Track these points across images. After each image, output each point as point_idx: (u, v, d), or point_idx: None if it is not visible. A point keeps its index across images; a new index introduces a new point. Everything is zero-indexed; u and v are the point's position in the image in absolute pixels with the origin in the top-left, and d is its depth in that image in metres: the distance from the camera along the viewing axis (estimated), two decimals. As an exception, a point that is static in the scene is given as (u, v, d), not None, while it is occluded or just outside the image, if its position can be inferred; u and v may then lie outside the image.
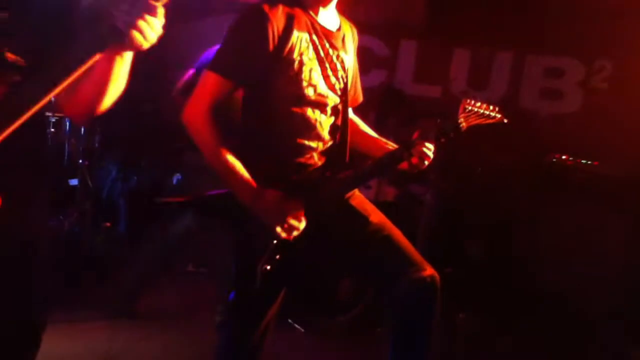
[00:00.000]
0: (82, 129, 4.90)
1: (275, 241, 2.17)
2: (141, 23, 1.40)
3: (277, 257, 2.19)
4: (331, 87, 2.28)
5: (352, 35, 2.43)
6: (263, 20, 2.10)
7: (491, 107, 2.40)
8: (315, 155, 2.30)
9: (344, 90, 2.34)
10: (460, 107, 2.33)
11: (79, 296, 3.92)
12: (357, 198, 2.40)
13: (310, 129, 2.27)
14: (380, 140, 2.55)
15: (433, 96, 5.69)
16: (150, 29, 1.42)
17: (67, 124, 4.86)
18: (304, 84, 2.20)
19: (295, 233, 2.15)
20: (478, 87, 5.57)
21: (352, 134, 2.44)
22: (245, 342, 2.35)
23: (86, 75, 1.46)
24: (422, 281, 2.23)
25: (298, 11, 2.20)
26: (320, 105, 2.27)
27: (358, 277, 3.63)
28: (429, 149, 2.32)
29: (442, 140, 2.34)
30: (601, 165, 4.66)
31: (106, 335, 3.59)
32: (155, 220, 4.92)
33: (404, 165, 2.35)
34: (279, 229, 2.13)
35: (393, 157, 2.36)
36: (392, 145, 2.47)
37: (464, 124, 2.33)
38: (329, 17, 2.31)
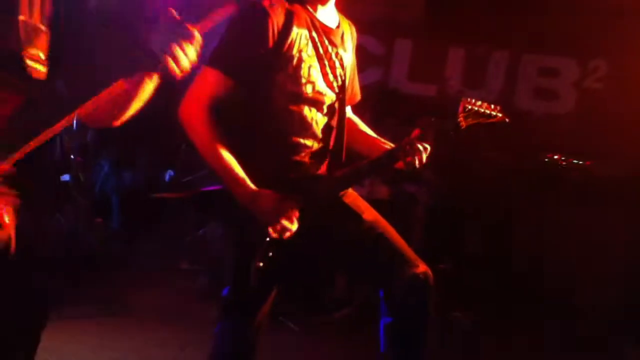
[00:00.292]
0: (75, 125, 4.88)
1: (268, 239, 2.17)
2: (177, 50, 1.37)
3: (271, 254, 2.19)
4: (329, 85, 2.27)
5: (351, 33, 2.42)
6: (263, 17, 2.09)
7: (492, 107, 2.39)
8: (310, 153, 2.29)
9: (342, 88, 2.33)
10: (460, 106, 2.32)
11: (72, 292, 3.90)
12: (351, 196, 2.39)
13: (306, 128, 2.25)
14: (378, 139, 2.53)
15: (428, 95, 5.69)
16: (186, 57, 1.39)
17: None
18: (303, 80, 2.19)
19: (287, 234, 2.14)
20: (473, 86, 5.58)
21: (350, 132, 2.43)
22: (239, 338, 2.34)
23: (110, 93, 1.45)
24: (416, 278, 2.23)
25: (297, 7, 2.19)
26: (317, 104, 2.26)
27: (352, 274, 3.63)
28: (426, 148, 2.32)
29: (441, 139, 2.34)
30: (594, 165, 4.68)
31: (99, 331, 3.58)
32: (149, 217, 4.92)
33: (399, 164, 2.35)
34: (271, 230, 2.13)
35: (390, 156, 2.35)
36: (389, 145, 2.46)
37: (463, 123, 2.32)
38: (328, 14, 2.30)
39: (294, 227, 2.14)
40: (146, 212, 5.11)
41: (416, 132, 2.31)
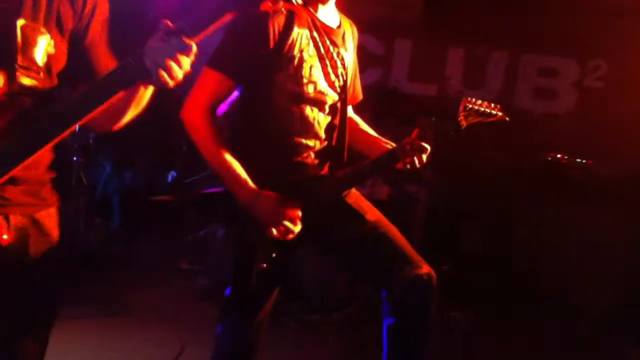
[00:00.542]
0: (77, 127, 4.89)
1: (271, 240, 2.17)
2: (171, 63, 1.35)
3: (273, 255, 2.19)
4: (331, 85, 2.27)
5: (352, 33, 2.42)
6: (264, 17, 2.08)
7: (492, 105, 2.39)
8: (312, 154, 2.29)
9: (344, 88, 2.33)
10: (461, 106, 2.32)
11: (72, 292, 3.90)
12: (354, 196, 2.39)
13: (308, 128, 2.25)
14: (379, 139, 2.53)
15: (428, 95, 5.69)
16: (179, 69, 1.37)
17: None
18: (304, 80, 2.18)
19: (290, 236, 2.14)
20: (473, 86, 5.58)
21: (351, 132, 2.43)
22: (241, 338, 2.35)
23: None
24: (419, 279, 2.23)
25: (298, 7, 2.17)
26: (319, 104, 2.26)
27: (354, 275, 3.63)
28: (426, 148, 2.32)
29: (442, 139, 2.34)
30: (595, 164, 4.69)
31: (99, 331, 3.58)
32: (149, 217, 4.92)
33: (399, 164, 2.35)
34: (274, 232, 2.13)
35: (390, 156, 2.35)
36: (390, 144, 2.46)
37: (463, 122, 2.32)
38: (329, 14, 2.29)
39: (297, 229, 2.14)
40: (147, 213, 5.11)
41: (416, 132, 2.31)
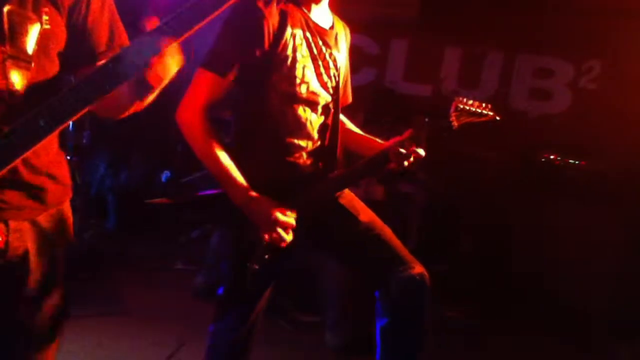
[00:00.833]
0: (71, 125, 4.88)
1: (264, 242, 2.17)
2: (156, 61, 1.35)
3: (266, 257, 2.19)
4: (323, 85, 2.27)
5: (345, 34, 2.42)
6: (259, 17, 2.08)
7: (484, 105, 2.39)
8: (304, 154, 2.29)
9: (336, 89, 2.33)
10: (452, 106, 2.33)
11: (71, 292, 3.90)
12: (347, 197, 2.39)
13: (300, 128, 2.25)
14: (371, 138, 2.54)
15: (423, 95, 5.70)
16: (166, 69, 1.37)
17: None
18: (297, 81, 2.18)
19: (282, 244, 2.14)
20: (468, 87, 5.59)
21: (342, 133, 2.43)
22: (234, 337, 2.35)
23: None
24: (412, 279, 2.24)
25: (292, 7, 2.17)
26: (312, 104, 2.26)
27: (348, 275, 3.63)
28: (418, 148, 2.32)
29: (434, 139, 2.34)
30: (589, 164, 4.70)
31: (98, 331, 3.58)
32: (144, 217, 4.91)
33: (392, 164, 2.35)
34: (267, 237, 2.13)
35: (383, 156, 2.35)
36: (381, 143, 2.46)
37: (455, 123, 2.33)
38: (322, 14, 2.29)
39: (289, 237, 2.13)
40: (142, 213, 5.10)
41: (408, 132, 2.32)
